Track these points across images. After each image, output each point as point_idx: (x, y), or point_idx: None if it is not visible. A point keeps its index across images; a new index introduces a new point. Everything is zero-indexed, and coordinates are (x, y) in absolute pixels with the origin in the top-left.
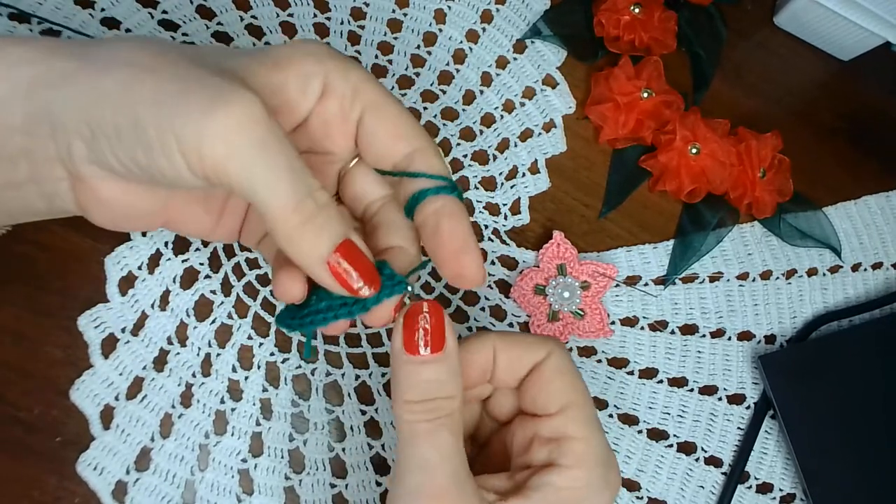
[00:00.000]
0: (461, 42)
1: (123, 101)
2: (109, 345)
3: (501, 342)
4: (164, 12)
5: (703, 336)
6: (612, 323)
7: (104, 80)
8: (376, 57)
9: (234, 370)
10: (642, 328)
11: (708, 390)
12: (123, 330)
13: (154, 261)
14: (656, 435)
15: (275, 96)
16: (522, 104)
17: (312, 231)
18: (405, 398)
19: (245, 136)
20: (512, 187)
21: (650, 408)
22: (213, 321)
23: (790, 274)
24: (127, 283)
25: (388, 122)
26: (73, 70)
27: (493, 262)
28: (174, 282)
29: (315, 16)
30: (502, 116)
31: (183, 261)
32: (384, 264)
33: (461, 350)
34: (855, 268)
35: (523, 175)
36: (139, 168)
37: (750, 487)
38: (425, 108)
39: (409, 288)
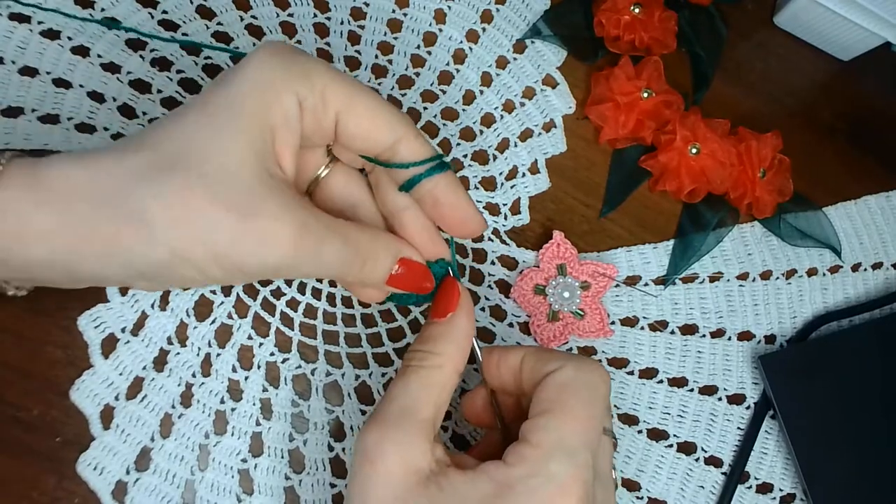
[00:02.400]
0: (461, 42)
1: (183, 265)
2: (109, 345)
3: (530, 352)
4: (164, 12)
5: (704, 336)
6: (612, 323)
7: (155, 251)
8: (376, 57)
9: (234, 370)
10: (642, 328)
11: (708, 390)
12: (123, 330)
13: None
14: (656, 435)
15: (277, 151)
16: (522, 104)
17: (368, 271)
18: (412, 347)
19: (299, 258)
20: (512, 187)
21: (650, 408)
22: (213, 321)
23: (790, 274)
24: None
25: (364, 118)
26: (115, 236)
27: (493, 262)
28: None
29: (315, 16)
30: (502, 116)
31: None
32: (435, 263)
33: (499, 352)
34: (855, 268)
35: (523, 175)
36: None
37: (750, 487)
38: (425, 108)
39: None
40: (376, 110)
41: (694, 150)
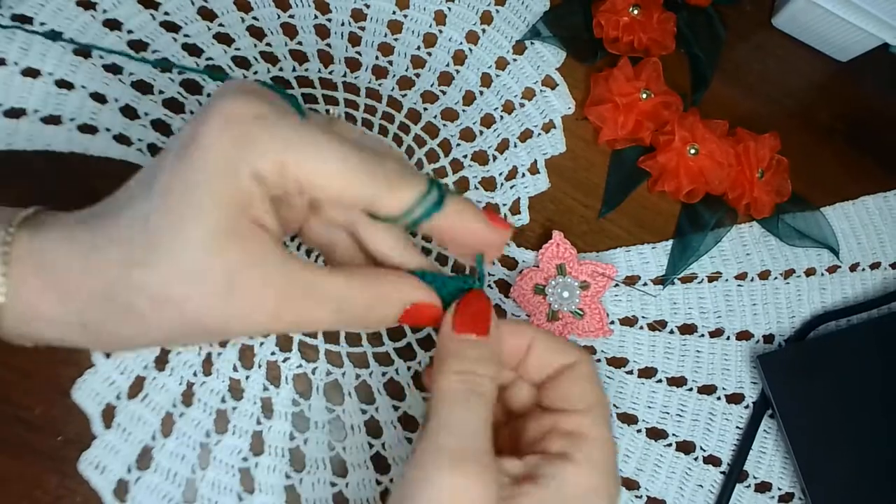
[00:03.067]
0: (461, 43)
1: (196, 340)
2: None
3: (540, 338)
4: (166, 14)
5: (702, 336)
6: (612, 322)
7: (160, 334)
8: (377, 58)
9: (235, 369)
10: (641, 328)
11: (707, 390)
12: None
13: None
14: (655, 434)
15: (243, 210)
16: (522, 105)
17: (373, 321)
18: (453, 369)
19: (288, 320)
20: (512, 188)
21: (649, 407)
22: None
23: (788, 274)
24: None
25: (327, 183)
26: (119, 326)
27: (493, 262)
28: None
29: (316, 17)
30: (502, 117)
31: None
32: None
33: (505, 328)
34: (853, 268)
35: (523, 175)
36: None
37: (748, 486)
38: (425, 109)
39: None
40: (340, 171)
41: (692, 151)
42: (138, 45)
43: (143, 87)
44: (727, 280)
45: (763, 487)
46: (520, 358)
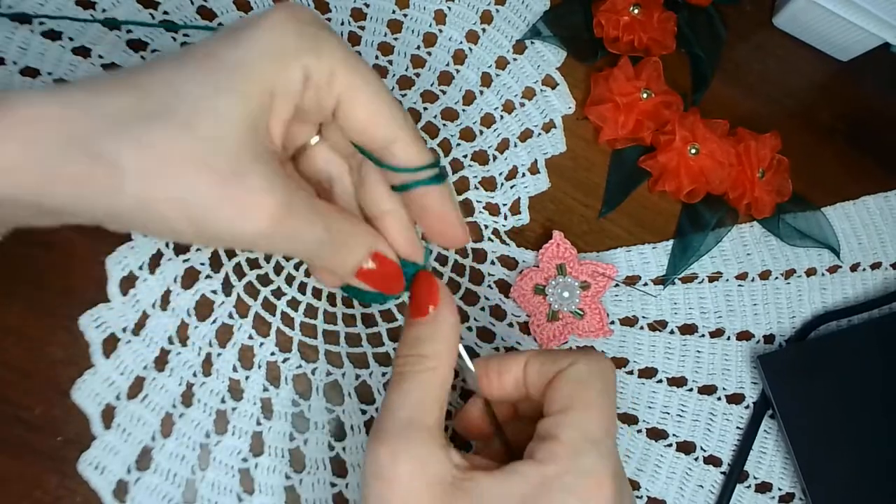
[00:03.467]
0: (461, 43)
1: (150, 217)
2: (110, 344)
3: (533, 356)
4: (166, 13)
5: (703, 336)
6: (612, 323)
7: (121, 199)
8: (377, 58)
9: (234, 370)
10: (642, 328)
11: (707, 390)
12: (124, 329)
13: (155, 261)
14: (655, 434)
15: (270, 122)
16: (522, 104)
17: (340, 258)
18: (398, 353)
19: (276, 237)
20: (512, 187)
21: (649, 407)
22: (214, 321)
23: (789, 274)
24: (128, 282)
25: (364, 109)
26: (82, 179)
27: (492, 262)
28: (175, 281)
29: None
30: (502, 117)
31: (184, 261)
32: (404, 263)
33: (498, 362)
34: (854, 268)
35: (523, 175)
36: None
37: (749, 487)
38: (425, 109)
39: (426, 265)
40: (379, 105)
41: (693, 151)
42: (137, 45)
43: None
44: (728, 280)
45: (763, 488)
46: (521, 380)
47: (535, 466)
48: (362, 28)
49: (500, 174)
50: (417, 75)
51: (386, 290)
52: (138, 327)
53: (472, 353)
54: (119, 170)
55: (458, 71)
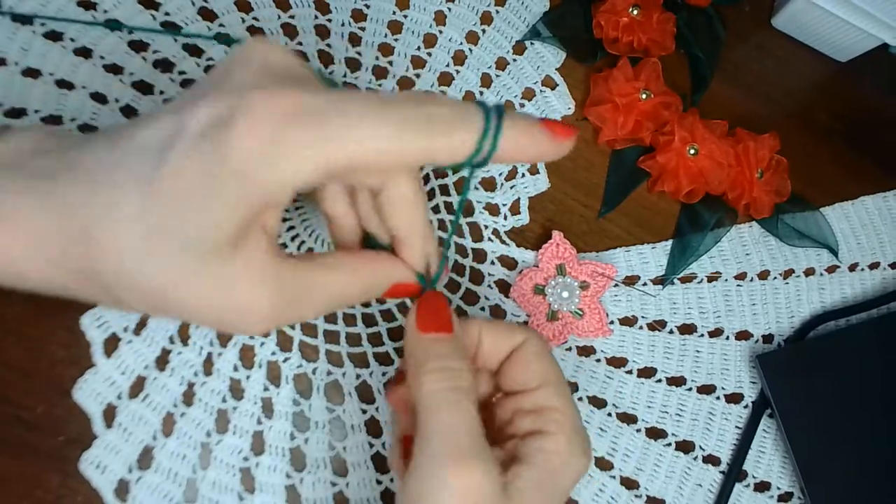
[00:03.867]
0: (461, 43)
1: (158, 309)
2: (112, 344)
3: (486, 327)
4: (167, 14)
5: (702, 335)
6: (611, 322)
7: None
8: (377, 58)
9: (235, 369)
10: (641, 328)
11: (706, 389)
12: (126, 329)
13: None
14: (655, 434)
15: (259, 209)
16: (522, 105)
17: (367, 296)
18: (426, 367)
19: (281, 321)
20: (511, 188)
21: (649, 407)
22: None
23: (788, 274)
24: None
25: (387, 148)
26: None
27: (492, 262)
28: None
29: (316, 17)
30: None
31: None
32: (421, 277)
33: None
34: (852, 268)
35: (523, 175)
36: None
37: (748, 486)
38: None
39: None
40: (390, 139)
41: (692, 151)
42: (139, 46)
43: (143, 88)
44: (727, 280)
45: (762, 487)
46: (475, 350)
47: (551, 440)
48: (363, 29)
49: (500, 174)
50: (418, 76)
51: (407, 296)
52: (139, 327)
53: None
54: (125, 305)
55: (458, 72)
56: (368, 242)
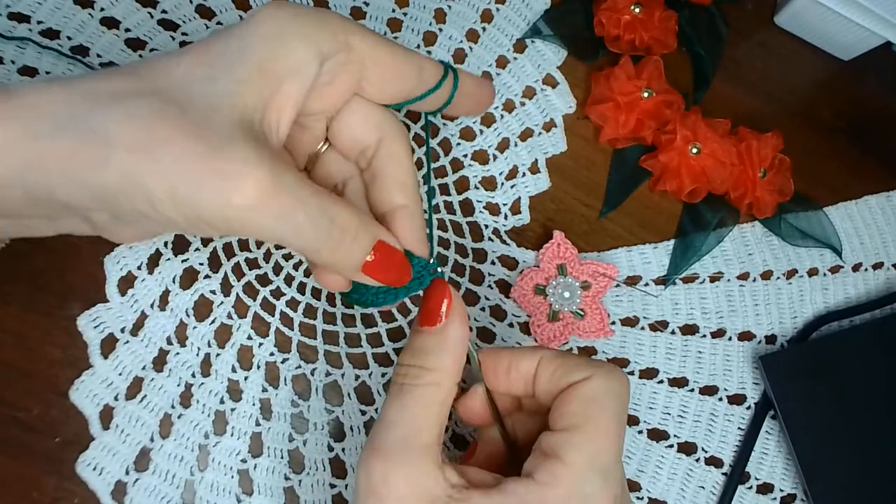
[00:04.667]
0: (461, 41)
1: (136, 194)
2: (109, 345)
3: (547, 356)
4: (164, 12)
5: (704, 336)
6: (613, 323)
7: (106, 171)
8: None
9: (233, 370)
10: (643, 328)
11: (708, 390)
12: (123, 330)
13: (153, 261)
14: (657, 435)
15: (276, 103)
16: (523, 104)
17: (343, 252)
18: (399, 362)
19: (264, 215)
20: (512, 187)
21: (650, 408)
22: (213, 321)
23: (791, 274)
24: (126, 283)
25: (390, 65)
26: (67, 157)
27: (493, 262)
28: (174, 282)
29: None
30: (502, 116)
31: (182, 261)
32: (412, 256)
33: (510, 357)
34: (856, 268)
35: (523, 175)
36: (165, 230)
37: (750, 488)
38: None
39: (440, 271)
40: (397, 49)
41: (694, 150)
42: (136, 44)
43: None
44: (729, 280)
45: (765, 489)
46: (531, 380)
47: (534, 488)
48: None
49: (501, 174)
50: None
51: (393, 281)
52: (137, 328)
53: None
54: (107, 143)
55: None
56: None
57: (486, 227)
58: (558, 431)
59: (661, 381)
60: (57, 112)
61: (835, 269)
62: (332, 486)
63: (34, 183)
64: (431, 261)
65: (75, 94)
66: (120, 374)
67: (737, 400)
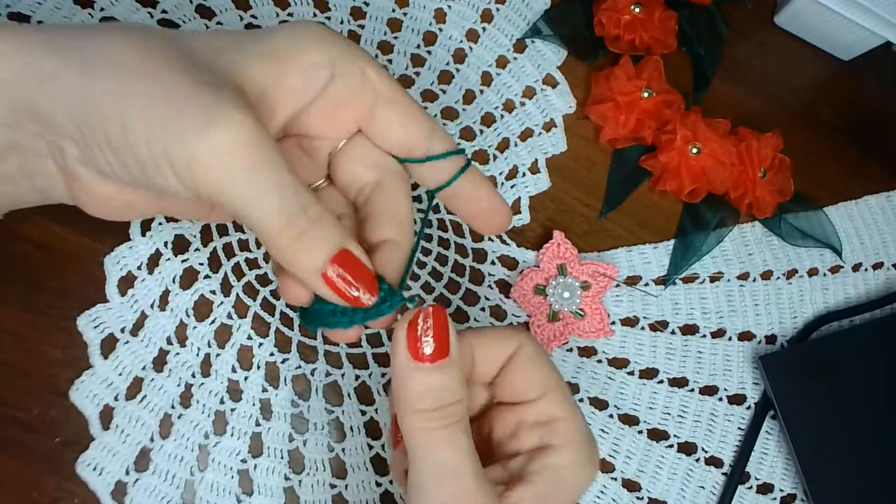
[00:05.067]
0: (461, 41)
1: (112, 109)
2: (109, 345)
3: (476, 339)
4: (164, 11)
5: (704, 336)
6: (613, 323)
7: (91, 84)
8: (376, 56)
9: (233, 370)
10: (643, 328)
11: (708, 390)
12: (123, 330)
13: (153, 261)
14: (657, 435)
15: (275, 93)
16: (523, 104)
17: (306, 245)
18: (417, 408)
19: (236, 160)
20: (512, 187)
21: (650, 408)
22: (213, 321)
23: (791, 274)
24: (126, 283)
25: (400, 110)
26: (57, 68)
27: (493, 262)
28: (174, 282)
29: (315, 15)
30: (502, 116)
31: (182, 261)
32: (381, 279)
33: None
34: (856, 268)
35: (523, 175)
36: (131, 177)
37: (750, 488)
38: (426, 108)
39: (409, 304)
40: (411, 105)
41: (694, 150)
42: None
43: None
44: (729, 280)
45: (765, 489)
46: (470, 368)
47: (558, 454)
48: (362, 27)
49: (501, 174)
50: (417, 74)
51: (353, 300)
52: (137, 328)
53: None
54: (97, 62)
55: (458, 70)
56: None
57: None
58: (540, 399)
59: (661, 381)
60: (54, 36)
61: (835, 269)
62: (333, 486)
63: (19, 93)
64: (405, 293)
65: (80, 28)
66: (120, 375)
67: (737, 400)
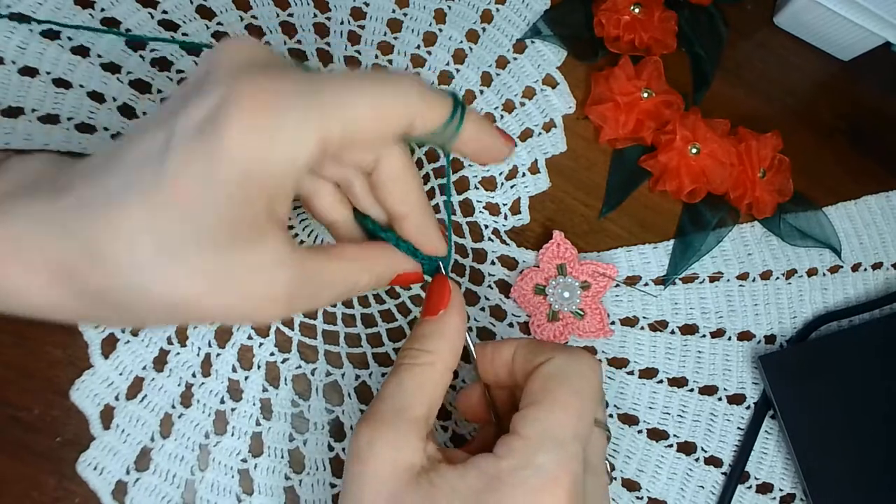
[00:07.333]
0: (461, 42)
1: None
2: (109, 345)
3: (522, 343)
4: (164, 12)
5: (703, 336)
6: (612, 323)
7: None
8: (376, 57)
9: (234, 370)
10: (642, 328)
11: (708, 390)
12: (123, 329)
13: None
14: (656, 435)
15: (266, 192)
16: (522, 104)
17: (372, 285)
18: (403, 347)
19: (295, 307)
20: (512, 187)
21: (650, 408)
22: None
23: (790, 274)
24: None
25: (375, 116)
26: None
27: (492, 262)
28: None
29: (315, 16)
30: (502, 116)
31: None
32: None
33: (492, 347)
34: (855, 268)
35: (523, 175)
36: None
37: (750, 487)
38: None
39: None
40: (379, 109)
41: (694, 150)
42: (137, 45)
43: (141, 87)
44: (728, 280)
45: (764, 488)
46: (510, 372)
47: (492, 460)
48: (362, 27)
49: (501, 174)
50: (417, 74)
51: (411, 283)
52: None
53: None
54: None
55: (458, 70)
56: (364, 223)
57: (486, 227)
58: (522, 409)
59: (661, 381)
60: (65, 251)
61: (834, 269)
62: (333, 485)
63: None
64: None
65: (73, 228)
66: (120, 374)
67: (736, 400)
